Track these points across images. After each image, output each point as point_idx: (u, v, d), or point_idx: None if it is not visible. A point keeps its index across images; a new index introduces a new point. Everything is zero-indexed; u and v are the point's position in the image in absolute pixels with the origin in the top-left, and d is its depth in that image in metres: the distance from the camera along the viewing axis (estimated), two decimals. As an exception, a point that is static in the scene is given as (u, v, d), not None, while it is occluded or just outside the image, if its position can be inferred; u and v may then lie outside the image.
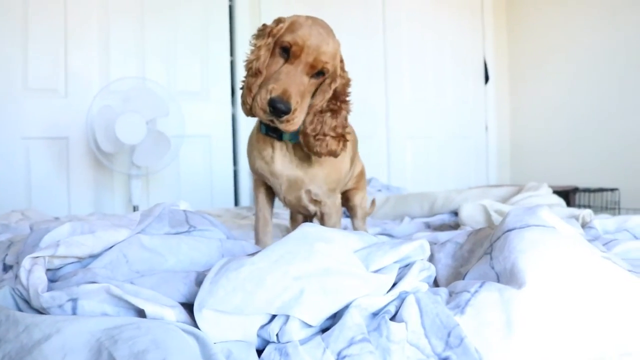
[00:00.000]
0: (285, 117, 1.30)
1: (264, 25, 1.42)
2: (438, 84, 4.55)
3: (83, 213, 3.11)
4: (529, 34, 4.61)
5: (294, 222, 2.01)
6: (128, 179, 3.25)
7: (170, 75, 3.60)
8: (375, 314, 0.89)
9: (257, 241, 1.67)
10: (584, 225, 1.48)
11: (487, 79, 4.71)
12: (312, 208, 1.58)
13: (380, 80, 4.30)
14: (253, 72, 1.36)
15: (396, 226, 1.94)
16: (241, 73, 3.80)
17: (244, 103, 1.37)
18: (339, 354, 0.80)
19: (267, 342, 0.84)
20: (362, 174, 1.88)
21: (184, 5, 3.64)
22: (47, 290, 0.84)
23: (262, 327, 0.85)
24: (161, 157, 3.13)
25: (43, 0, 3.27)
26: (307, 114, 1.40)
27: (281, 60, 1.35)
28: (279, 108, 1.28)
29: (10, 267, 1.20)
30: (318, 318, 0.85)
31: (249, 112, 1.37)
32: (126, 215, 1.21)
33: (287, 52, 1.34)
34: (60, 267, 0.95)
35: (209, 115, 3.73)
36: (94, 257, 0.98)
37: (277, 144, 1.49)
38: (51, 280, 0.91)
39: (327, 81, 1.41)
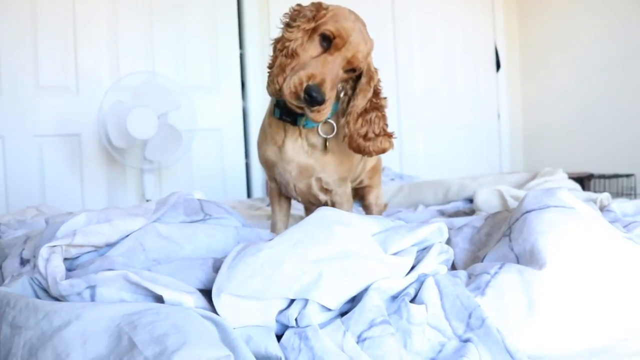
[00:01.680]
0: (317, 107, 1.27)
1: (300, 6, 1.39)
2: (449, 73, 4.51)
3: (96, 208, 3.12)
4: (539, 21, 4.57)
5: (308, 212, 1.98)
6: (140, 174, 3.25)
7: (180, 70, 3.60)
8: (394, 297, 0.89)
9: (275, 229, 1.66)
10: (602, 209, 1.46)
11: (498, 66, 4.67)
12: (322, 197, 1.55)
13: (391, 70, 4.28)
14: (289, 53, 1.32)
15: (410, 214, 1.93)
16: (251, 66, 3.80)
17: (272, 82, 1.33)
18: (359, 336, 0.79)
19: (286, 327, 0.84)
20: (375, 169, 1.82)
21: (192, 0, 3.64)
22: (66, 279, 0.84)
23: (281, 312, 0.84)
24: (173, 151, 3.13)
25: (52, -2, 3.28)
26: (349, 114, 1.39)
27: (320, 48, 1.32)
28: (315, 97, 1.24)
29: (28, 261, 1.20)
30: (337, 301, 0.84)
31: (277, 92, 1.33)
32: (141, 204, 1.21)
33: (327, 42, 1.31)
34: (77, 257, 0.95)
35: (220, 108, 3.72)
36: (111, 245, 0.98)
37: (290, 129, 1.46)
38: (68, 269, 0.91)
39: (365, 79, 1.40)
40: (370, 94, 1.40)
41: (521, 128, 4.79)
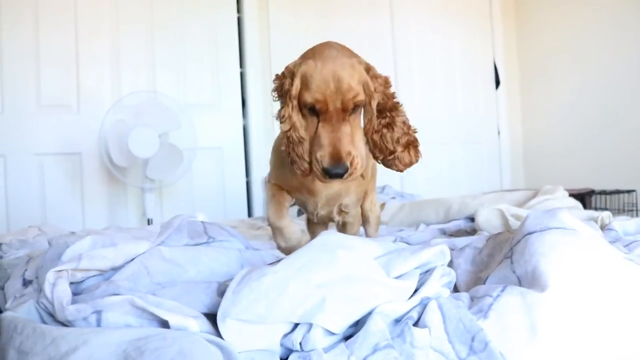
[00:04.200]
0: (347, 174, 1.25)
1: (280, 80, 1.36)
2: (448, 90, 4.54)
3: (97, 227, 3.13)
4: (538, 37, 4.60)
5: (311, 226, 1.92)
6: (142, 193, 3.26)
7: (181, 88, 3.62)
8: (398, 320, 0.89)
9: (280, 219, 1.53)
10: (603, 228, 1.47)
11: (497, 83, 4.69)
12: (337, 218, 1.57)
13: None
14: (296, 141, 1.31)
15: (411, 233, 1.93)
16: (251, 84, 3.82)
17: (299, 169, 1.33)
18: (363, 361, 0.79)
19: (290, 351, 0.84)
20: (371, 175, 1.77)
21: (192, 18, 3.67)
22: (72, 303, 0.84)
23: (285, 335, 0.84)
24: (174, 170, 3.14)
25: (54, 17, 3.31)
26: (367, 138, 1.37)
27: (314, 119, 1.30)
28: (336, 174, 1.24)
29: (30, 282, 1.20)
30: (341, 325, 0.85)
31: (309, 173, 1.32)
32: (144, 227, 1.22)
33: (313, 110, 1.29)
34: (83, 281, 0.96)
35: (221, 127, 3.74)
36: (116, 269, 0.98)
37: None
38: (74, 293, 0.92)
39: (367, 103, 1.36)
40: (374, 114, 1.36)
41: (521, 144, 4.80)
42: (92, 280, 0.96)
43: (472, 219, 2.05)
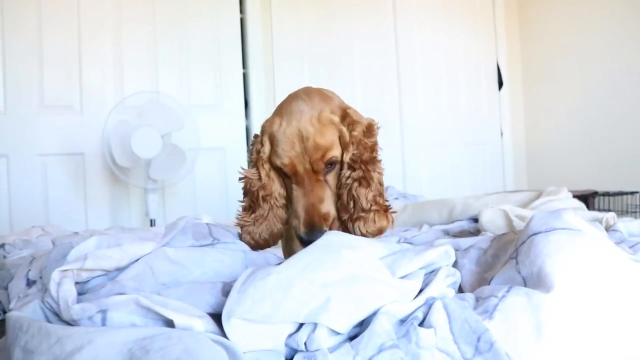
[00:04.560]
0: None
1: (254, 139, 1.27)
2: (451, 91, 4.54)
3: (100, 227, 3.13)
4: (541, 38, 4.60)
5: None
6: (144, 193, 3.27)
7: (183, 89, 3.63)
8: (403, 321, 0.89)
9: None
10: (607, 229, 1.46)
11: (500, 84, 4.69)
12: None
13: (394, 88, 4.31)
14: (267, 201, 1.23)
15: (416, 233, 1.93)
16: (254, 85, 3.84)
17: (252, 234, 1.23)
18: (369, 361, 0.79)
19: (295, 352, 0.84)
20: None
21: (195, 19, 3.68)
22: (77, 303, 0.84)
23: (290, 335, 0.84)
24: (177, 171, 3.15)
25: (56, 17, 3.32)
26: (333, 194, 1.22)
27: (289, 182, 1.21)
28: (314, 240, 1.07)
29: (34, 282, 1.20)
30: (346, 325, 0.85)
31: (267, 244, 1.25)
32: (149, 228, 1.22)
33: (285, 174, 1.20)
34: (88, 281, 0.96)
35: (223, 127, 3.74)
36: (121, 270, 0.98)
37: None
38: (79, 293, 0.92)
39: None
40: (345, 167, 1.21)
41: (524, 146, 4.80)
42: (97, 280, 0.96)
43: (475, 220, 2.05)
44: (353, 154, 1.20)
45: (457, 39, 4.56)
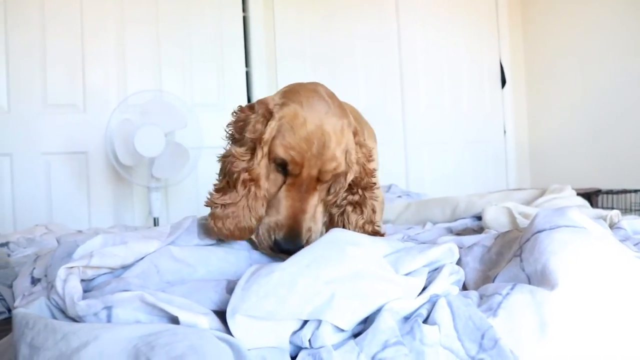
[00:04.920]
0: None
1: (244, 110, 1.17)
2: (454, 89, 4.54)
3: (103, 226, 3.14)
4: (544, 36, 4.59)
5: None
6: (147, 192, 3.27)
7: (186, 87, 3.63)
8: (407, 318, 0.89)
9: None
10: (611, 226, 1.46)
11: (503, 82, 4.69)
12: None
13: (396, 86, 4.31)
14: (244, 184, 1.09)
15: (420, 231, 1.93)
16: (257, 83, 3.83)
17: (223, 223, 1.08)
18: (373, 357, 0.79)
19: (299, 349, 0.84)
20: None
21: (198, 18, 3.68)
22: (82, 300, 0.85)
23: (295, 332, 0.84)
24: (180, 169, 3.15)
25: (59, 16, 3.33)
26: (324, 213, 1.17)
27: (279, 177, 1.11)
28: (287, 251, 1.05)
29: (38, 280, 1.21)
30: (350, 322, 0.85)
31: (233, 236, 1.09)
32: (154, 227, 1.22)
33: (283, 168, 1.10)
34: (93, 278, 0.96)
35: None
36: (126, 268, 0.99)
37: None
38: (84, 291, 0.92)
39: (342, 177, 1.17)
40: (344, 188, 1.16)
41: (527, 144, 4.79)
42: (103, 278, 0.97)
43: (478, 218, 2.05)
44: (355, 177, 1.15)
45: (460, 37, 4.55)
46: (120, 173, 3.22)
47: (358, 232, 1.13)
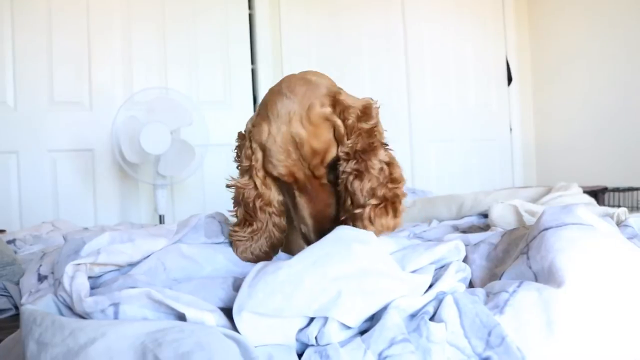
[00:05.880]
0: None
1: (241, 140, 1.17)
2: (460, 87, 4.53)
3: (109, 223, 3.15)
4: (551, 33, 4.57)
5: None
6: (153, 189, 3.28)
7: (192, 85, 3.64)
8: (413, 315, 0.89)
9: None
10: (619, 224, 1.45)
11: (510, 80, 4.67)
12: None
13: (402, 84, 4.30)
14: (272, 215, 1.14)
15: (426, 229, 1.93)
16: (263, 81, 3.83)
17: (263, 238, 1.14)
18: (380, 354, 0.79)
19: (306, 346, 0.84)
20: None
21: (204, 15, 3.68)
22: (89, 296, 0.85)
23: (301, 330, 0.84)
24: (186, 167, 3.15)
25: (66, 14, 3.33)
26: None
27: (289, 187, 1.12)
28: None
29: (45, 277, 1.21)
30: (357, 319, 0.85)
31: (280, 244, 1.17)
32: (161, 225, 1.22)
33: (281, 181, 1.11)
34: (100, 275, 0.97)
35: (232, 123, 3.70)
36: (133, 265, 0.99)
37: None
38: (92, 288, 0.93)
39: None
40: (340, 165, 1.09)
41: (534, 141, 4.78)
42: (110, 275, 0.97)
43: (485, 216, 2.04)
44: (347, 146, 1.06)
45: (466, 35, 4.54)
46: (126, 170, 3.23)
47: (368, 199, 1.04)
